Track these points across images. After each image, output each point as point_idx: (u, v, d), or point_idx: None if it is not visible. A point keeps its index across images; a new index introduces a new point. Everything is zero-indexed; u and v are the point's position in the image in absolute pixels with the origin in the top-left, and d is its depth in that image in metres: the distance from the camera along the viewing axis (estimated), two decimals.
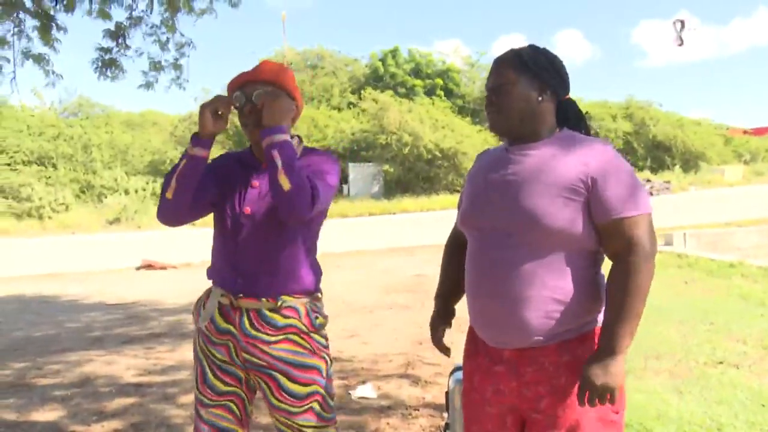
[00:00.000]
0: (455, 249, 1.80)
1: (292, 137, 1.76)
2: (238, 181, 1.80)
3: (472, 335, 1.67)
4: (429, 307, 7.02)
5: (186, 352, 4.87)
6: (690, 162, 30.88)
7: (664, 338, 4.50)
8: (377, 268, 9.59)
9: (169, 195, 1.71)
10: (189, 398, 3.71)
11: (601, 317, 1.52)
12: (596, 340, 1.49)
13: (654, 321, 5.03)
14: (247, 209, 1.76)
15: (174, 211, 1.74)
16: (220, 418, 1.79)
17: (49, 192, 24.03)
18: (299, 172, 1.59)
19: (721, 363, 3.87)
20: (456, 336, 5.59)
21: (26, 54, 5.27)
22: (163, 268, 10.96)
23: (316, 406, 1.76)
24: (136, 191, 26.11)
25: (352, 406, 3.45)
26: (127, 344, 5.26)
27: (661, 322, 5.01)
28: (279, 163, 1.59)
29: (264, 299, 1.73)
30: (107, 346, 5.21)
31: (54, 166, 27.72)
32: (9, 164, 26.81)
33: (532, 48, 1.58)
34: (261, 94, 1.71)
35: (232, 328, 1.74)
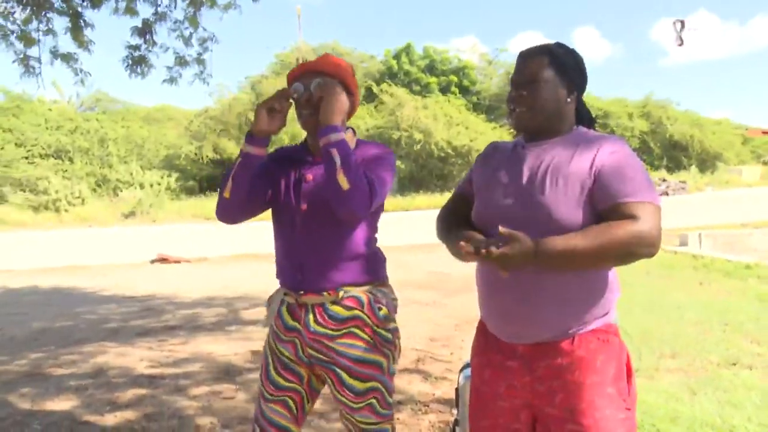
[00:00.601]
0: (458, 218, 1.68)
1: (346, 129, 1.77)
2: (292, 176, 1.79)
3: (482, 330, 1.67)
4: (443, 304, 7.12)
5: (200, 345, 4.92)
6: (707, 162, 30.55)
7: (679, 338, 4.47)
8: (395, 264, 9.56)
9: (227, 194, 1.73)
10: (201, 390, 3.75)
11: (614, 312, 1.52)
12: (609, 336, 1.49)
13: (668, 320, 4.99)
14: (304, 205, 1.74)
15: (232, 210, 1.77)
16: (276, 414, 1.80)
17: (65, 185, 24.30)
18: (357, 170, 1.59)
19: (734, 364, 3.83)
20: (469, 335, 5.57)
21: (54, 53, 5.33)
22: (178, 261, 11.06)
23: (374, 402, 1.74)
24: (152, 185, 26.32)
25: None
26: (142, 336, 5.32)
27: (676, 321, 4.97)
28: (338, 161, 1.58)
29: (325, 293, 1.72)
30: (122, 338, 5.27)
31: (71, 159, 28.04)
32: (27, 157, 27.16)
33: (562, 47, 1.58)
34: (320, 83, 1.70)
35: (298, 325, 1.76)
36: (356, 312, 1.72)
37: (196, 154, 27.78)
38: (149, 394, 3.72)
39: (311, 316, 1.74)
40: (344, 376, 1.72)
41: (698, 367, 3.81)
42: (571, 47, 1.61)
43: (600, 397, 1.45)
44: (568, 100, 1.54)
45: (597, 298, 1.49)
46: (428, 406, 3.35)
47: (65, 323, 6.05)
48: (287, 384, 1.80)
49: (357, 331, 1.72)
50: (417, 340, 4.83)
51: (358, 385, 1.72)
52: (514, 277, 1.46)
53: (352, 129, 1.83)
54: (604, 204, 1.42)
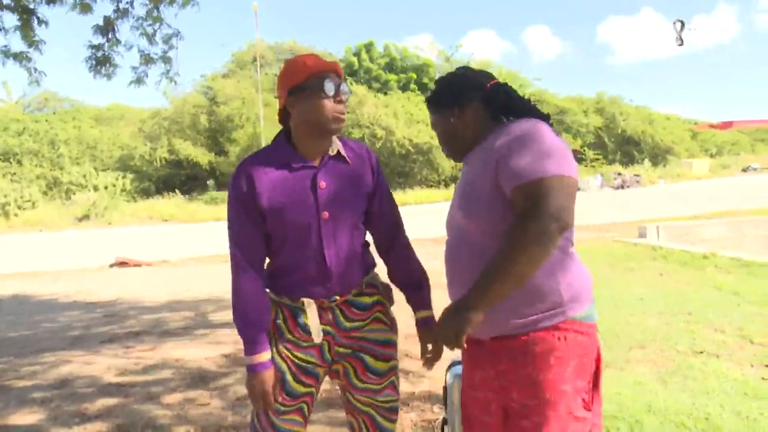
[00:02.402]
0: None
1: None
2: (302, 187, 1.67)
3: None
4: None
5: (168, 350, 4.78)
6: (659, 156, 31.55)
7: (645, 329, 4.58)
8: None
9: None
10: (174, 398, 3.65)
11: (576, 307, 1.51)
12: (569, 333, 1.49)
13: (633, 312, 5.12)
14: (325, 213, 1.68)
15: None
16: (292, 423, 1.74)
17: (14, 189, 23.41)
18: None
19: (701, 353, 3.95)
20: None
21: (6, 53, 5.10)
22: (138, 265, 10.77)
23: (394, 379, 1.83)
24: (106, 187, 25.63)
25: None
26: (107, 344, 5.15)
27: (640, 313, 5.10)
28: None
29: (353, 290, 1.76)
30: (86, 346, 5.09)
31: (19, 162, 27.04)
32: None
33: (434, 83, 1.77)
34: (349, 94, 1.72)
35: (329, 328, 1.73)
36: (378, 297, 1.81)
37: (150, 155, 27.15)
38: (119, 403, 3.60)
39: (340, 315, 1.74)
40: (370, 361, 1.78)
41: (667, 357, 3.91)
42: (443, 75, 1.78)
43: (554, 394, 1.46)
44: (452, 119, 1.67)
45: (544, 295, 1.48)
46: (408, 405, 3.34)
47: (24, 332, 5.81)
48: (305, 389, 1.75)
49: (380, 315, 1.81)
50: None
51: (382, 366, 1.79)
52: (459, 278, 1.59)
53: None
54: (508, 189, 1.46)
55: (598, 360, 1.56)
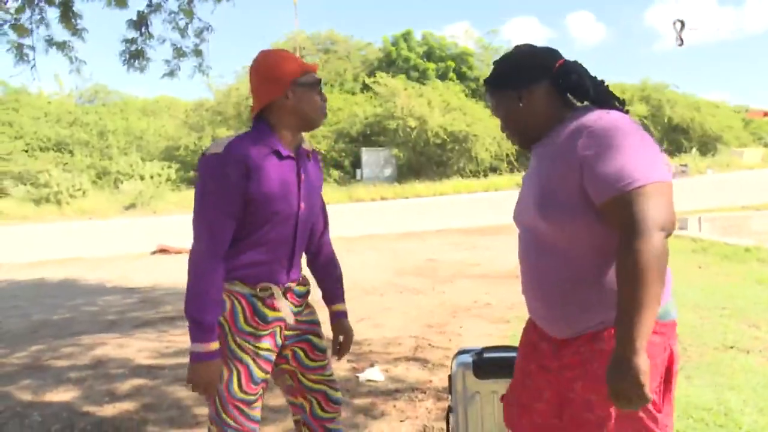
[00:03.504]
0: None
1: (303, 142, 1.82)
2: (289, 176, 1.73)
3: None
4: (440, 291, 7.08)
5: None
6: (708, 145, 30.46)
7: (677, 323, 4.46)
8: (389, 252, 9.61)
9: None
10: None
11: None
12: None
13: None
14: (302, 204, 1.77)
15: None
16: (258, 410, 1.80)
17: (66, 178, 24.33)
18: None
19: (732, 348, 3.84)
20: (466, 322, 5.57)
21: (50, 42, 5.31)
22: (178, 252, 11.05)
23: (329, 353, 1.97)
24: (152, 177, 26.33)
25: (359, 389, 3.48)
26: (141, 327, 5.34)
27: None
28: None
29: (298, 279, 1.89)
30: (121, 330, 5.29)
31: (71, 152, 28.05)
32: (26, 151, 27.13)
33: (495, 62, 1.62)
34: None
35: (279, 314, 1.79)
36: (308, 287, 1.94)
37: (195, 144, 27.74)
38: (148, 384, 3.74)
39: (288, 301, 1.84)
40: (315, 340, 1.92)
41: (695, 351, 3.81)
42: (504, 54, 1.63)
43: None
44: (521, 104, 1.52)
45: (611, 294, 1.39)
46: (425, 393, 3.36)
47: (65, 315, 6.07)
48: (265, 376, 1.80)
49: (308, 300, 1.95)
50: (413, 328, 4.84)
51: (323, 343, 1.94)
52: (533, 280, 1.53)
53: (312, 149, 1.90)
54: (599, 199, 1.34)
55: (671, 360, 1.45)
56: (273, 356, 1.81)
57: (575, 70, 1.50)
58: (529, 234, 1.53)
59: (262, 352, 1.77)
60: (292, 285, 1.84)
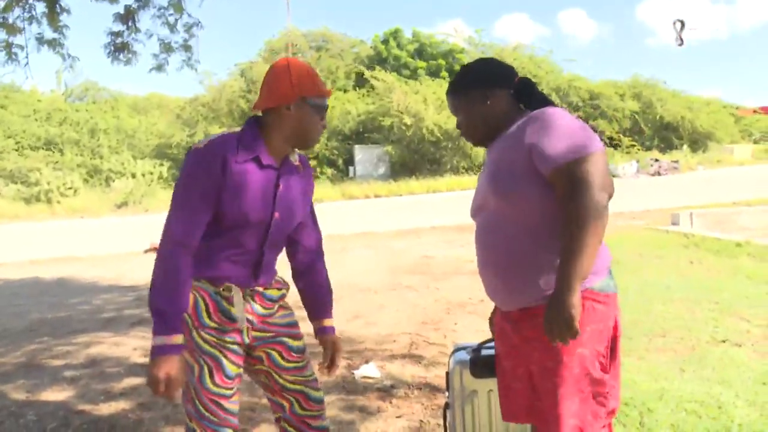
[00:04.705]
0: None
1: (293, 152, 1.83)
2: (266, 185, 1.74)
3: None
4: (434, 289, 7.08)
5: None
6: (698, 142, 30.64)
7: (668, 317, 4.52)
8: (384, 250, 9.62)
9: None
10: None
11: (593, 278, 1.59)
12: (586, 300, 1.55)
13: (658, 300, 5.04)
14: (277, 214, 1.77)
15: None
16: (236, 404, 1.81)
17: (57, 176, 24.18)
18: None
19: (723, 341, 3.88)
20: (460, 318, 5.58)
21: (40, 39, 5.29)
22: None
23: (307, 354, 1.97)
24: (143, 175, 26.21)
25: (355, 385, 3.50)
26: (136, 326, 5.33)
27: (666, 301, 5.02)
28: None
29: (268, 284, 1.88)
30: (117, 328, 5.28)
31: (61, 150, 27.86)
32: (16, 149, 26.92)
33: (462, 67, 1.83)
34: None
35: (249, 315, 1.81)
36: (283, 291, 1.95)
37: (187, 142, 27.62)
38: (143, 383, 3.73)
39: (256, 303, 1.84)
40: (289, 341, 1.91)
41: (687, 345, 3.86)
42: (473, 61, 1.85)
43: (571, 356, 1.56)
44: (487, 103, 1.72)
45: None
46: (420, 389, 3.38)
47: (60, 314, 6.05)
48: (238, 370, 1.81)
49: (282, 302, 1.94)
50: (408, 325, 4.86)
51: (299, 344, 1.94)
52: (488, 255, 1.71)
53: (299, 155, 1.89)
54: (548, 170, 1.55)
55: (615, 328, 1.66)
56: (241, 350, 1.81)
57: (531, 84, 1.76)
58: (482, 216, 1.73)
59: (229, 345, 1.77)
60: (260, 288, 1.84)
